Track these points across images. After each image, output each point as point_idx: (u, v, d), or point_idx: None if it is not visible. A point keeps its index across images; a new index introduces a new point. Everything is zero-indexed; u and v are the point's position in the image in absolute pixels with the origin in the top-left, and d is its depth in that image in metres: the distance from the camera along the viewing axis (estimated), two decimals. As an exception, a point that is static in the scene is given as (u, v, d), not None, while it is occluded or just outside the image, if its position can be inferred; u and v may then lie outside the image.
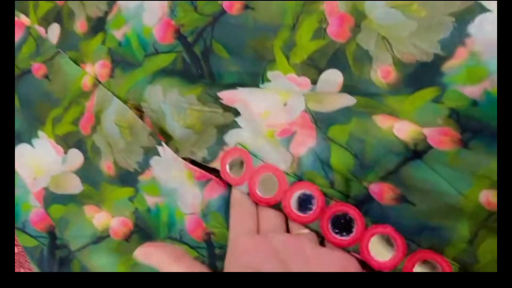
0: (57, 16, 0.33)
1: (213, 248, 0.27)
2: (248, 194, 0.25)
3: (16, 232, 0.32)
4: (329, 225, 0.23)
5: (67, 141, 0.32)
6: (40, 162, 0.32)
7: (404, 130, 0.22)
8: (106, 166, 0.31)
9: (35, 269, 0.32)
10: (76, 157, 0.32)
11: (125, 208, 0.30)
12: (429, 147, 0.21)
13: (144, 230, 0.29)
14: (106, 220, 0.30)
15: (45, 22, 0.33)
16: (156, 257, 0.22)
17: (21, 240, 0.32)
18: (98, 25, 0.31)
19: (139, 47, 0.30)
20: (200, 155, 0.27)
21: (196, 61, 0.28)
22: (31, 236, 0.32)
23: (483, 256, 0.21)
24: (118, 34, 0.31)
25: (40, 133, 0.33)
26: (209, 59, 0.28)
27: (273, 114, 0.25)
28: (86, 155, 0.31)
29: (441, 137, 0.21)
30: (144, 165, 0.29)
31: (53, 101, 0.33)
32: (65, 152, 0.32)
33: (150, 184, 0.29)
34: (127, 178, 0.30)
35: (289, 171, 0.25)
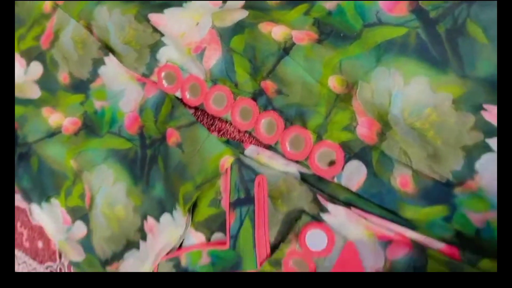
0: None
1: (144, 139, 0.34)
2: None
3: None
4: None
5: (29, 55, 0.38)
6: None
7: (279, 33, 0.29)
8: (63, 76, 0.37)
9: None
10: (36, 68, 0.38)
11: (76, 111, 0.36)
12: (293, 44, 0.28)
13: (90, 127, 0.36)
14: (59, 119, 0.37)
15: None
16: None
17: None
18: (80, 86, 0.36)
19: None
20: (141, 70, 0.34)
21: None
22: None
23: (332, 126, 0.27)
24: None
25: None
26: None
27: (187, 34, 0.32)
28: (46, 67, 0.37)
29: (303, 36, 0.28)
30: (95, 74, 0.35)
31: (18, 21, 0.38)
32: (28, 65, 0.38)
33: (99, 90, 0.36)
34: (80, 86, 0.36)
35: (207, 79, 0.32)
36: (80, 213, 0.35)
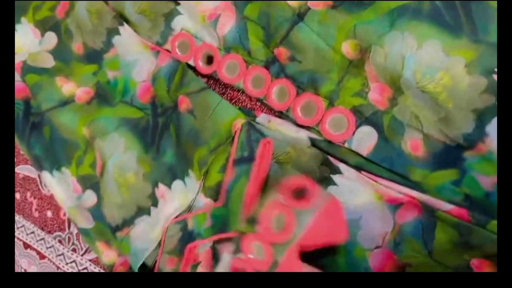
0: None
1: (156, 108, 0.34)
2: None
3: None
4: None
5: (44, 25, 0.38)
6: (20, 43, 0.39)
7: None
8: (77, 46, 0.37)
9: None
10: (51, 39, 0.38)
11: (89, 81, 0.36)
12: (308, 9, 0.28)
13: (102, 96, 0.36)
14: (72, 89, 0.37)
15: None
16: None
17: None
18: (94, 56, 0.36)
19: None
20: (155, 39, 0.34)
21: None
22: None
23: (344, 92, 0.28)
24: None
25: (22, 19, 0.39)
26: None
27: (201, 2, 0.32)
28: (60, 37, 0.38)
29: (318, 2, 0.28)
30: (109, 44, 0.36)
31: None
32: (42, 35, 0.38)
33: (112, 60, 0.36)
34: (93, 56, 0.37)
35: (220, 47, 0.32)
36: (90, 182, 0.35)
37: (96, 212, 0.35)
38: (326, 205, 0.23)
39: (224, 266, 0.25)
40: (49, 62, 0.38)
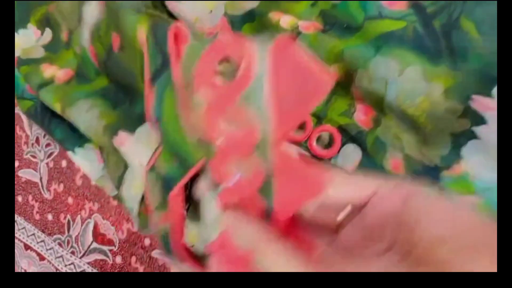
0: (48, 21, 0.40)
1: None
2: None
3: (18, 101, 0.41)
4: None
5: (43, 23, 0.41)
6: (19, 43, 0.41)
7: (287, 22, 0.31)
8: (64, 34, 0.39)
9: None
10: (47, 35, 0.41)
11: (71, 63, 0.38)
12: (299, 33, 0.30)
13: (80, 74, 0.37)
14: (53, 71, 0.38)
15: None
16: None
17: (21, 106, 0.41)
18: (70, 40, 0.38)
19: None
20: None
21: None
22: (28, 99, 0.41)
23: (332, 111, 0.29)
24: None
25: (29, 25, 0.42)
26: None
27: (200, 20, 0.34)
28: (54, 31, 0.40)
29: (309, 26, 0.30)
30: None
31: None
32: (41, 34, 0.41)
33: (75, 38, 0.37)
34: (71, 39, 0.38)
35: None
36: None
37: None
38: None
39: (212, 209, 0.23)
40: (39, 53, 0.40)
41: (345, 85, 0.29)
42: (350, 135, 0.29)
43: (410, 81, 0.26)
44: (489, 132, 0.26)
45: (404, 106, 0.27)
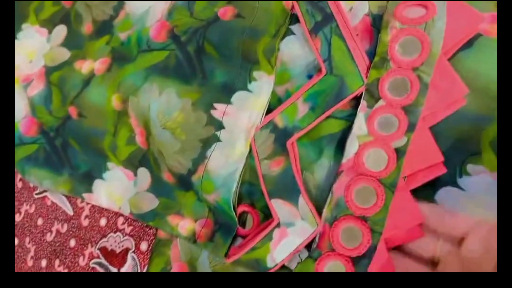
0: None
1: (179, 38, 0.32)
2: None
3: (16, 150, 0.36)
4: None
5: (54, 21, 0.39)
6: (30, 47, 0.39)
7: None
8: (87, 27, 0.37)
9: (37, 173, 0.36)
10: (59, 32, 0.38)
11: (104, 51, 0.35)
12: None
13: (119, 58, 0.34)
14: (90, 65, 0.36)
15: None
16: None
17: (21, 154, 0.36)
18: (104, 28, 0.36)
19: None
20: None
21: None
22: (28, 143, 0.36)
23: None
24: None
25: (23, 25, 0.40)
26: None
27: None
28: (70, 26, 0.38)
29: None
30: (119, 8, 0.36)
31: None
32: (50, 32, 0.39)
33: (123, 22, 0.36)
34: (104, 28, 0.36)
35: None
36: (137, 159, 0.33)
37: (156, 188, 0.32)
38: None
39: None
40: (66, 54, 0.37)
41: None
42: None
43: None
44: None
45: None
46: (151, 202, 0.32)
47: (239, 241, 0.29)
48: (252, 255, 0.27)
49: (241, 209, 0.29)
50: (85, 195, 0.34)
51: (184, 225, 0.30)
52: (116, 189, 0.33)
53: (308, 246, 0.27)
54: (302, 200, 0.26)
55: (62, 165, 0.35)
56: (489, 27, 0.25)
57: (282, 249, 0.26)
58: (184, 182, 0.30)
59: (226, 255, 0.28)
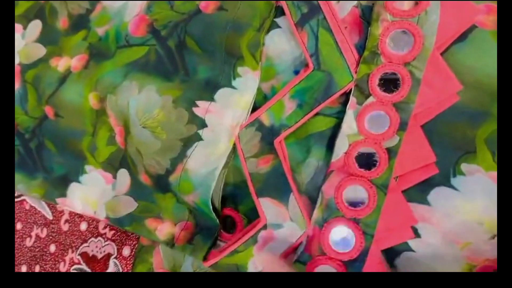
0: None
1: (159, 32, 0.30)
2: None
3: None
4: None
5: (28, 16, 0.37)
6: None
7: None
8: (62, 22, 0.35)
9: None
10: (34, 28, 0.37)
11: (80, 47, 0.33)
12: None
13: (97, 54, 0.33)
14: (66, 63, 0.34)
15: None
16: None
17: None
18: (80, 22, 0.34)
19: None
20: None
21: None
22: None
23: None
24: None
25: None
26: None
27: None
28: (45, 21, 0.36)
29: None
30: (94, 3, 0.34)
31: None
32: (24, 28, 0.37)
33: (100, 16, 0.33)
34: (80, 22, 0.34)
35: None
36: (117, 160, 0.31)
37: (136, 191, 0.31)
38: None
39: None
40: (41, 51, 0.35)
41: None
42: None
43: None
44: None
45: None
46: (129, 205, 0.30)
47: (222, 246, 0.27)
48: (232, 259, 0.26)
49: (224, 213, 0.28)
50: (58, 199, 0.32)
51: (163, 229, 0.29)
52: (93, 192, 0.31)
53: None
54: (294, 200, 0.25)
55: (36, 169, 0.33)
56: (484, 19, 0.24)
57: (266, 256, 0.25)
58: (161, 183, 0.29)
59: (205, 258, 0.26)
